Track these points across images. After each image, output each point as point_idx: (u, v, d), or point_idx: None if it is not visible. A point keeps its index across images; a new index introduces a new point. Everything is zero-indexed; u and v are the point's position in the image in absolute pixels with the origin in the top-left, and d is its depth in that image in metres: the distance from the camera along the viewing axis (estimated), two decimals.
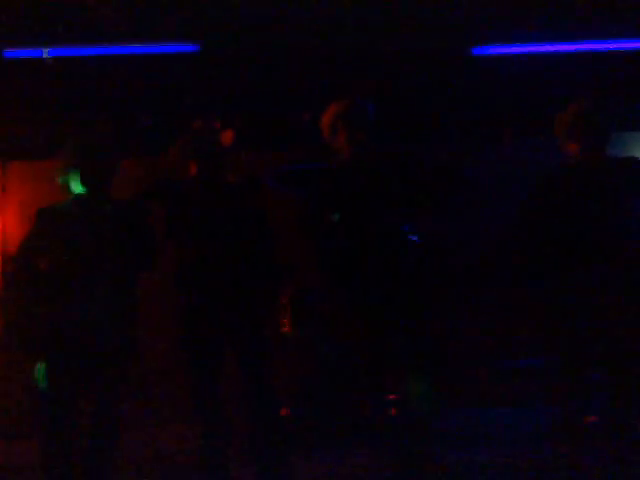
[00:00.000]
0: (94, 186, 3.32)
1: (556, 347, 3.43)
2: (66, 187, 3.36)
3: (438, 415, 3.43)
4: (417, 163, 3.54)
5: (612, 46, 4.73)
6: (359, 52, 4.57)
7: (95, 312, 3.21)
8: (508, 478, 3.35)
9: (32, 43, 4.39)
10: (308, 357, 4.32)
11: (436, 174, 3.53)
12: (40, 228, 3.32)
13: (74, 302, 3.20)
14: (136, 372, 3.37)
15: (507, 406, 4.47)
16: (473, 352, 4.75)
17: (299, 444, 3.73)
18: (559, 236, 3.43)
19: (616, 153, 3.60)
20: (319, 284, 3.56)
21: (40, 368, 3.17)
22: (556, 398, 3.43)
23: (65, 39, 4.37)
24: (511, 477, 3.35)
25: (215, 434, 3.42)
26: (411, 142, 4.70)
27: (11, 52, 4.47)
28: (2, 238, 5.09)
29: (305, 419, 4.06)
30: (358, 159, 3.50)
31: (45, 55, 4.41)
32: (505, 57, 4.76)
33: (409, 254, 3.46)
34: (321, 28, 4.41)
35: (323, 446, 3.75)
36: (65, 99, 4.76)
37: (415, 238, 3.48)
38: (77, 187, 3.33)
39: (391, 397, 3.50)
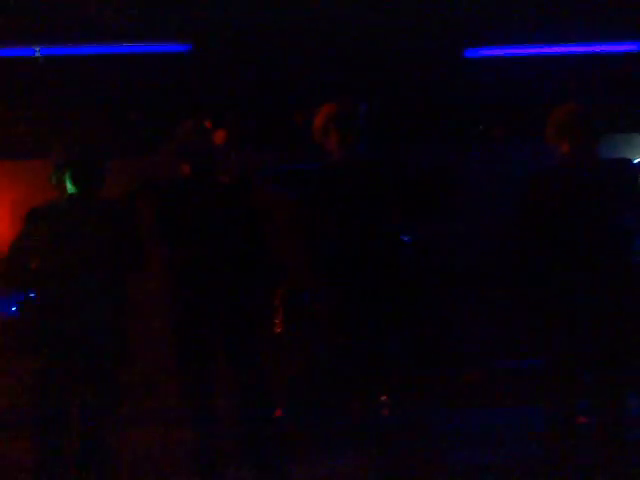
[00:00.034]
0: (85, 186, 3.31)
1: (547, 348, 3.44)
2: (57, 187, 3.36)
3: (432, 416, 3.43)
4: (407, 166, 3.55)
5: (603, 49, 4.75)
6: (351, 54, 4.58)
7: (85, 311, 3.20)
8: (501, 478, 3.36)
9: (24, 42, 4.38)
10: (301, 358, 4.31)
11: (426, 177, 3.54)
12: (31, 228, 3.32)
13: (64, 301, 3.20)
14: (128, 372, 3.36)
15: (499, 407, 4.49)
16: (465, 353, 4.76)
17: (292, 445, 3.73)
18: (548, 236, 3.44)
19: (607, 155, 3.61)
20: (312, 285, 3.55)
21: None
22: (548, 399, 3.44)
23: (57, 38, 4.36)
24: (505, 477, 3.36)
25: (208, 435, 3.41)
26: (403, 142, 4.73)
27: (2, 51, 4.46)
28: None
29: (298, 420, 4.06)
30: (349, 161, 3.50)
31: (36, 54, 4.40)
32: (496, 59, 4.78)
33: (400, 255, 3.47)
34: (313, 29, 4.41)
35: (316, 447, 3.75)
36: (56, 98, 4.75)
37: (407, 239, 3.49)
38: (68, 187, 3.32)
39: (383, 398, 3.51)
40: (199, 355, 3.43)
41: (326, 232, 3.43)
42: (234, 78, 4.79)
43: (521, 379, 4.44)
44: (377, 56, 4.60)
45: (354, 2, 4.23)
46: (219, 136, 3.63)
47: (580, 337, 3.36)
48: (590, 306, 3.32)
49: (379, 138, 3.68)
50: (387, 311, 3.34)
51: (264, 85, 4.84)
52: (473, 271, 4.91)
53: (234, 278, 3.46)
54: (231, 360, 3.45)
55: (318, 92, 3.89)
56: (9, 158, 5.12)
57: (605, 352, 3.35)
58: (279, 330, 4.37)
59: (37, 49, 4.40)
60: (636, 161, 3.78)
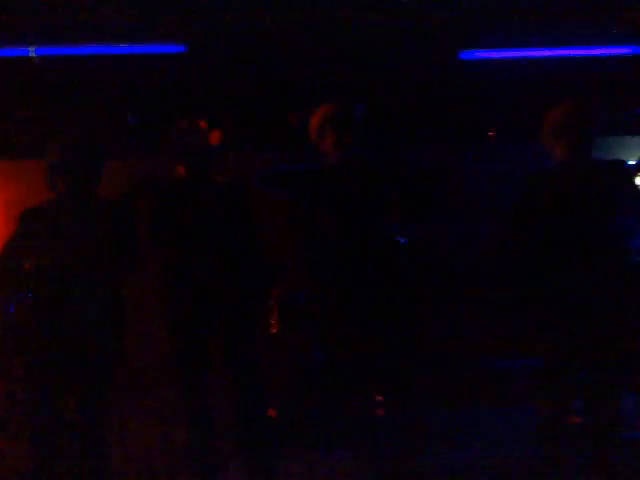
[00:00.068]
0: (79, 186, 3.31)
1: (542, 348, 3.45)
2: (52, 187, 3.35)
3: (428, 415, 3.44)
4: (404, 167, 3.56)
5: (597, 51, 4.77)
6: (347, 55, 4.59)
7: (80, 311, 3.19)
8: (495, 478, 3.37)
9: (18, 42, 4.37)
10: (296, 358, 4.31)
11: (423, 178, 3.55)
12: (25, 228, 3.31)
13: (59, 302, 3.19)
14: (123, 372, 3.35)
15: (494, 406, 4.50)
16: (460, 353, 4.77)
17: (286, 445, 3.73)
18: (544, 237, 3.46)
19: (603, 156, 3.63)
20: (308, 285, 3.56)
21: None
22: (542, 398, 3.45)
23: (51, 38, 4.36)
24: (499, 477, 3.37)
25: (202, 434, 3.42)
26: (398, 144, 4.74)
27: None
28: None
29: (292, 420, 4.06)
30: (345, 162, 3.51)
31: (32, 54, 4.40)
32: (492, 61, 4.80)
33: (396, 257, 3.48)
34: (309, 31, 4.41)
35: (310, 447, 3.75)
36: (52, 98, 4.74)
37: (402, 240, 3.49)
38: (62, 187, 3.31)
39: (378, 398, 3.51)
40: (194, 354, 3.43)
41: (322, 233, 3.43)
42: (230, 78, 4.79)
43: (515, 379, 4.45)
44: (373, 57, 4.61)
45: (350, 3, 4.23)
46: (215, 136, 3.61)
47: (575, 337, 3.37)
48: (585, 306, 3.34)
49: (374, 139, 3.69)
50: (383, 311, 3.35)
51: (260, 85, 4.85)
52: (470, 271, 4.92)
53: (229, 278, 3.46)
54: (226, 360, 3.45)
55: (314, 93, 3.90)
56: (3, 158, 5.10)
57: (599, 352, 3.36)
58: (274, 330, 4.37)
59: (32, 49, 4.40)
60: (631, 163, 3.79)
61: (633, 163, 3.75)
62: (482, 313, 4.88)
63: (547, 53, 4.78)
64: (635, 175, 3.68)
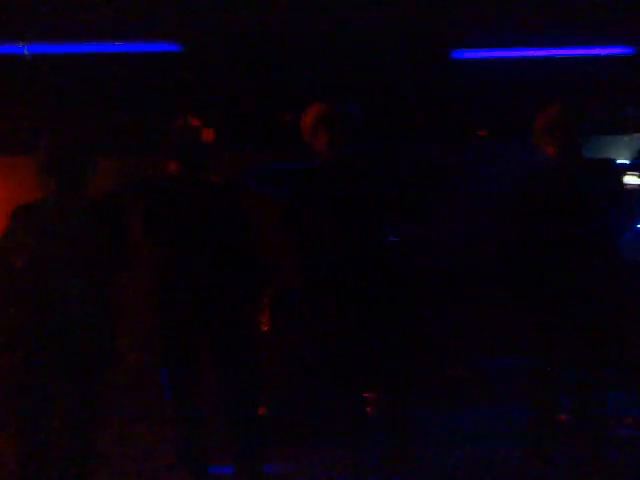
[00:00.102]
0: (70, 184, 3.31)
1: (531, 346, 3.47)
2: (43, 185, 3.35)
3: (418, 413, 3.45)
4: (395, 166, 3.57)
5: (589, 52, 4.78)
6: (340, 54, 4.59)
7: (71, 310, 3.20)
8: (485, 475, 3.39)
9: (12, 39, 4.36)
10: (288, 357, 4.32)
11: (415, 177, 3.57)
12: (16, 226, 3.31)
13: (50, 300, 3.19)
14: (114, 370, 3.35)
15: (483, 404, 4.51)
16: (452, 352, 4.79)
17: (277, 443, 3.73)
18: (535, 236, 3.48)
19: (593, 156, 3.65)
20: (300, 285, 3.57)
21: None
22: (529, 397, 3.46)
23: (46, 36, 4.35)
24: (489, 475, 3.38)
25: (193, 433, 3.42)
26: (390, 143, 4.74)
27: None
28: None
29: (283, 418, 4.07)
30: (338, 161, 3.52)
31: (25, 52, 4.39)
32: (483, 61, 4.80)
33: (388, 256, 3.49)
34: (303, 30, 4.41)
35: (301, 445, 3.76)
36: (45, 96, 4.73)
37: (394, 240, 3.51)
38: (53, 186, 3.32)
39: (366, 395, 3.53)
40: (185, 352, 3.43)
41: (315, 232, 3.44)
42: (224, 77, 4.79)
43: (506, 377, 4.47)
44: (366, 58, 4.61)
45: (345, 3, 4.24)
46: (208, 135, 3.62)
47: (565, 335, 3.39)
48: (575, 304, 3.36)
49: (366, 138, 3.70)
50: (376, 311, 3.36)
51: (254, 84, 4.85)
52: (462, 270, 4.93)
53: (222, 277, 3.46)
54: (217, 358, 3.46)
55: (307, 92, 3.90)
56: None
57: (589, 349, 3.39)
58: (266, 329, 4.38)
59: (25, 46, 4.39)
60: (620, 162, 3.82)
61: (623, 162, 3.77)
62: (474, 312, 4.90)
63: (537, 53, 4.79)
64: (624, 174, 3.71)
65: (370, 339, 3.35)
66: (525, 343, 3.49)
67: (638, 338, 3.90)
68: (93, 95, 4.79)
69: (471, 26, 4.51)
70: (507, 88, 4.98)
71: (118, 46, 4.51)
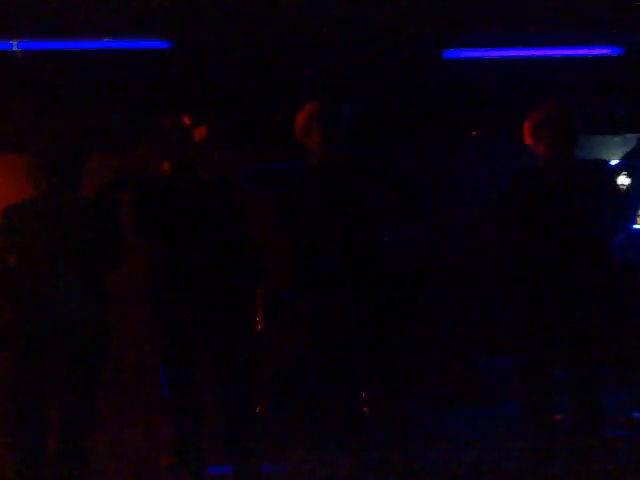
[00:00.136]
0: (62, 183, 3.29)
1: (525, 345, 3.48)
2: (35, 184, 3.33)
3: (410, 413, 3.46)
4: (388, 165, 3.58)
5: (581, 52, 4.81)
6: (332, 53, 4.58)
7: (64, 308, 3.18)
8: (481, 475, 3.39)
9: (2, 36, 4.32)
10: (282, 356, 4.32)
11: (406, 176, 3.58)
12: (8, 224, 3.29)
13: (43, 297, 3.17)
14: (109, 368, 3.34)
15: (478, 403, 4.53)
16: (445, 351, 4.80)
17: (273, 442, 3.73)
18: (527, 236, 3.49)
19: (585, 156, 3.67)
20: (293, 284, 3.56)
21: None
22: (524, 397, 3.48)
23: (36, 33, 4.31)
24: (484, 474, 3.39)
25: (189, 432, 3.41)
26: (382, 143, 4.75)
27: None
28: None
29: (279, 417, 4.06)
30: (331, 160, 3.52)
31: (14, 48, 4.35)
32: (476, 61, 4.81)
33: (382, 254, 3.49)
34: (294, 27, 4.40)
35: (297, 444, 3.75)
36: (36, 93, 4.69)
37: (387, 239, 3.51)
38: (45, 185, 3.29)
39: (363, 396, 3.53)
40: (181, 352, 3.42)
41: (308, 231, 3.44)
42: (215, 75, 4.77)
43: (500, 376, 4.49)
44: (358, 56, 4.61)
45: (335, 2, 4.23)
46: (199, 133, 3.60)
47: (559, 335, 3.41)
48: (569, 304, 3.37)
49: (359, 137, 3.70)
50: (370, 309, 3.36)
51: (245, 82, 4.83)
52: (454, 269, 4.95)
53: (214, 275, 3.45)
54: (212, 357, 3.45)
55: (300, 91, 3.90)
56: None
57: (583, 349, 3.40)
58: (260, 328, 4.37)
59: (14, 43, 4.35)
60: (613, 162, 3.84)
61: (615, 162, 3.79)
62: (467, 311, 4.91)
63: (528, 53, 4.81)
64: (617, 175, 3.73)
65: (365, 338, 3.35)
66: (520, 342, 3.50)
67: (632, 337, 3.93)
68: (83, 93, 4.76)
69: (462, 26, 4.52)
70: (498, 88, 4.99)
71: (108, 43, 4.48)
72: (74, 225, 3.27)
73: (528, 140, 3.62)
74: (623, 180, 3.77)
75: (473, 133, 4.13)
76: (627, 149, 3.75)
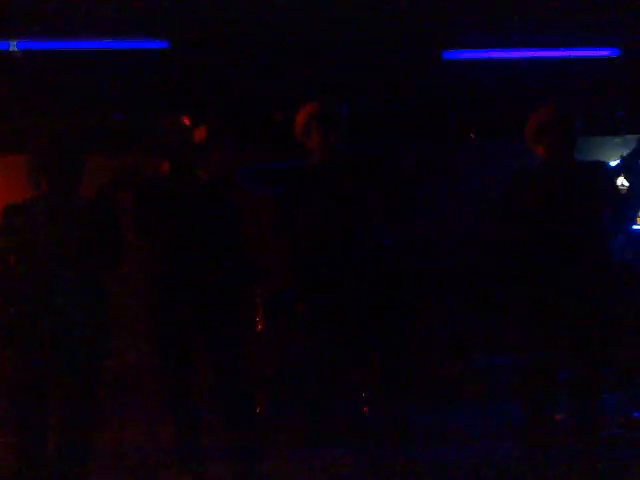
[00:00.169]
0: (61, 183, 3.28)
1: (527, 345, 3.48)
2: (35, 185, 3.32)
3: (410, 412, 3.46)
4: (388, 165, 3.58)
5: (580, 53, 4.83)
6: (332, 53, 4.59)
7: (64, 307, 3.17)
8: (481, 475, 3.40)
9: (1, 36, 4.32)
10: (282, 356, 4.32)
11: (405, 177, 3.57)
12: (8, 224, 3.28)
13: (43, 298, 3.16)
14: (109, 369, 3.33)
15: (478, 402, 4.53)
16: (446, 350, 4.81)
17: (272, 442, 3.73)
18: (526, 236, 3.49)
19: (584, 157, 3.67)
20: (292, 284, 3.56)
21: None
22: (525, 397, 3.48)
23: (34, 33, 4.31)
24: (485, 473, 3.39)
25: (188, 432, 3.41)
26: (382, 143, 4.75)
27: None
28: None
29: (278, 417, 4.06)
30: (331, 160, 3.52)
31: (13, 48, 4.35)
32: (475, 62, 4.83)
33: (380, 255, 3.49)
34: (294, 28, 4.41)
35: (297, 445, 3.75)
36: (34, 93, 4.69)
37: (387, 239, 3.51)
38: (45, 185, 3.29)
39: (362, 395, 3.53)
40: (179, 352, 3.41)
41: (307, 231, 3.44)
42: (213, 75, 4.77)
43: (501, 376, 4.49)
44: (358, 56, 4.62)
45: (334, 2, 4.24)
46: (200, 133, 3.60)
47: (559, 335, 3.41)
48: (568, 304, 3.38)
49: (359, 138, 3.70)
50: (369, 310, 3.36)
51: (244, 82, 4.84)
52: (455, 269, 4.95)
53: (213, 276, 3.45)
54: (212, 357, 3.44)
55: (299, 91, 3.90)
56: None
57: (582, 349, 3.41)
58: (259, 328, 4.37)
59: (13, 43, 4.35)
60: (613, 163, 3.84)
61: (616, 163, 3.79)
62: (468, 311, 4.92)
63: (529, 54, 4.82)
64: (616, 176, 3.73)
65: (365, 338, 3.35)
66: (521, 343, 3.51)
67: (632, 337, 3.94)
68: (83, 93, 4.76)
69: (461, 28, 4.53)
70: (497, 89, 5.00)
71: (108, 43, 4.48)
72: (74, 225, 3.25)
73: (528, 141, 3.62)
74: (622, 181, 3.77)
75: (472, 136, 4.13)
76: (627, 150, 3.75)
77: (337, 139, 3.54)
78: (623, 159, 3.73)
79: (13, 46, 4.31)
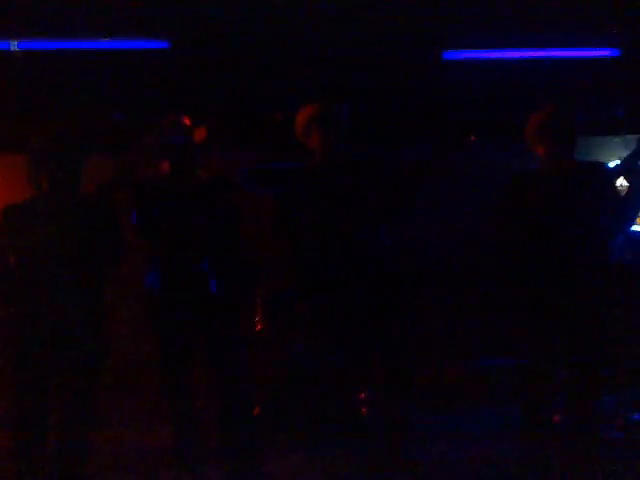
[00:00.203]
0: (60, 182, 3.28)
1: (524, 347, 3.49)
2: (35, 185, 3.32)
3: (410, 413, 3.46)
4: (388, 166, 3.58)
5: (580, 53, 4.82)
6: (332, 53, 4.59)
7: (63, 307, 3.17)
8: (480, 475, 3.41)
9: (1, 36, 4.32)
10: (281, 357, 4.32)
11: (405, 177, 3.57)
12: (7, 224, 3.28)
13: (42, 297, 3.17)
14: (107, 369, 3.33)
15: (478, 404, 4.54)
16: (445, 351, 4.82)
17: (271, 443, 3.73)
18: (527, 238, 3.50)
19: (584, 157, 3.67)
20: (292, 284, 3.57)
21: None
22: (523, 398, 3.49)
23: (34, 32, 4.31)
24: (483, 474, 3.41)
25: (187, 432, 3.41)
26: (380, 145, 4.76)
27: None
28: None
29: (277, 418, 4.06)
30: (331, 161, 3.52)
31: (13, 48, 4.35)
32: (476, 62, 4.83)
33: (380, 255, 3.49)
34: (294, 28, 4.41)
35: (295, 445, 3.76)
36: (35, 93, 4.69)
37: (387, 239, 3.52)
38: (45, 185, 3.29)
39: (362, 396, 3.54)
40: (179, 353, 3.42)
41: (307, 231, 3.44)
42: (214, 75, 4.78)
43: (499, 377, 4.50)
44: (358, 56, 4.62)
45: (334, 3, 4.24)
46: (200, 133, 3.60)
47: (558, 336, 3.42)
48: (567, 305, 3.38)
49: (359, 138, 3.70)
50: (370, 310, 3.37)
51: (244, 83, 4.84)
52: (455, 271, 4.96)
53: (212, 276, 3.45)
54: (211, 358, 3.45)
55: (299, 91, 3.90)
56: None
57: (580, 351, 3.41)
58: (259, 328, 4.37)
59: (14, 43, 4.35)
60: (613, 163, 3.85)
61: (617, 162, 3.79)
62: (467, 311, 4.92)
63: (528, 54, 4.82)
64: (616, 177, 3.73)
65: (365, 338, 3.35)
66: (519, 344, 3.51)
67: (630, 339, 3.94)
68: (82, 93, 4.76)
69: (461, 27, 4.53)
70: (497, 89, 5.00)
71: (107, 43, 4.48)
72: (74, 225, 3.26)
73: (528, 142, 3.63)
74: (622, 182, 3.77)
75: (472, 138, 4.13)
76: (626, 150, 3.76)
77: (337, 140, 3.54)
78: (623, 160, 3.73)
79: (14, 46, 4.32)
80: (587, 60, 4.84)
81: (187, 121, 3.60)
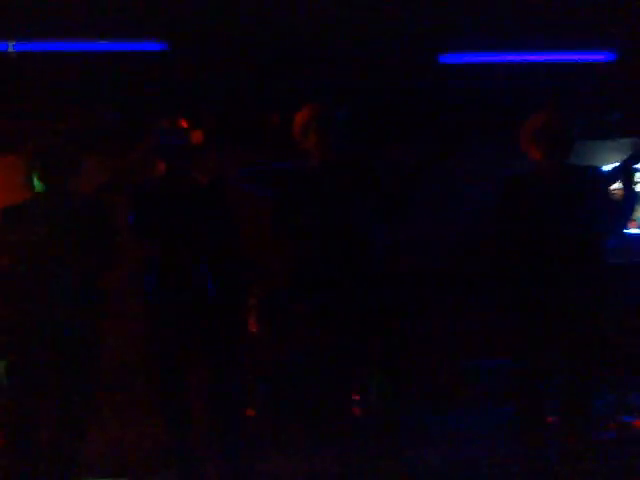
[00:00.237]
0: (54, 184, 3.30)
1: (518, 349, 3.50)
2: (28, 185, 3.34)
3: (402, 414, 3.47)
4: (384, 168, 3.60)
5: (576, 57, 4.84)
6: (329, 56, 4.60)
7: (57, 309, 3.19)
8: (473, 476, 3.42)
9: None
10: (275, 358, 4.33)
11: (404, 177, 3.59)
12: (6, 225, 3.30)
13: (36, 299, 3.18)
14: (101, 370, 3.34)
15: (471, 405, 4.55)
16: (438, 353, 4.82)
17: (264, 444, 3.74)
18: (520, 240, 3.51)
19: (579, 161, 3.69)
20: (289, 285, 3.58)
21: (0, 365, 3.15)
22: (517, 399, 3.50)
23: (31, 34, 4.32)
24: (476, 476, 3.42)
25: (181, 433, 3.42)
26: (379, 145, 4.77)
27: None
28: None
29: (270, 420, 4.07)
30: (329, 162, 3.53)
31: (10, 49, 4.36)
32: (471, 65, 4.84)
33: (377, 257, 3.50)
34: (292, 29, 4.42)
35: (289, 447, 3.77)
36: (31, 94, 4.70)
37: (385, 240, 3.53)
38: (38, 185, 3.30)
39: (355, 397, 3.54)
40: (172, 352, 3.43)
41: (305, 232, 3.45)
42: (212, 77, 4.79)
43: (493, 379, 4.51)
44: (355, 59, 4.63)
45: (332, 5, 4.25)
46: (197, 136, 3.61)
47: (551, 338, 3.43)
48: (561, 307, 3.40)
49: (357, 140, 3.72)
50: (366, 311, 3.38)
51: (242, 84, 4.85)
52: (450, 272, 4.97)
53: (210, 277, 3.46)
54: (205, 359, 3.46)
55: (297, 93, 3.91)
56: None
57: (575, 351, 3.43)
58: (254, 329, 4.38)
59: (10, 44, 4.36)
60: (609, 167, 3.86)
61: (613, 166, 3.80)
62: (465, 312, 4.93)
63: (523, 58, 4.84)
64: (610, 180, 3.75)
65: (362, 339, 3.37)
66: (513, 345, 3.53)
67: (624, 340, 3.95)
68: (81, 94, 4.76)
69: (458, 31, 4.55)
70: (493, 93, 5.02)
71: (105, 45, 4.49)
72: (71, 226, 3.28)
73: (523, 146, 3.64)
74: (615, 185, 3.79)
75: (469, 139, 4.17)
76: (622, 154, 3.77)
77: (335, 141, 3.55)
78: (619, 163, 3.75)
79: (11, 47, 4.32)
80: (583, 64, 4.85)
81: (184, 123, 3.60)
